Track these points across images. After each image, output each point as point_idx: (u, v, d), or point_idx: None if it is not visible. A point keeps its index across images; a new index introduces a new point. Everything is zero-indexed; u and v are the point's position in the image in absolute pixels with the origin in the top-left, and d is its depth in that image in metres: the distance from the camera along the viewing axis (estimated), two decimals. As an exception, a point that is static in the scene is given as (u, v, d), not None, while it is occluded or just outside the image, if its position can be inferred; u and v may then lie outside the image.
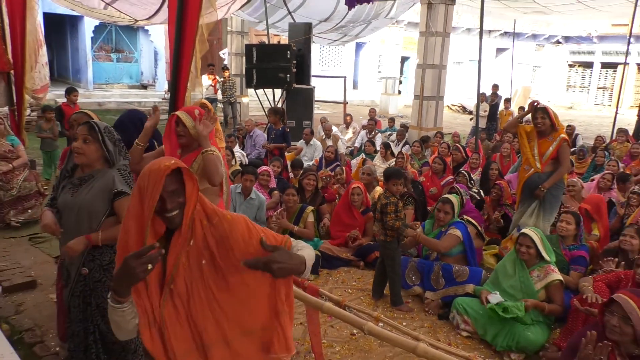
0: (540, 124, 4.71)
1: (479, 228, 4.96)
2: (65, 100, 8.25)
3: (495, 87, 13.41)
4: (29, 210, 5.49)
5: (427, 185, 6.53)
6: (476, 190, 5.92)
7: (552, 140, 4.70)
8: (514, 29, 18.72)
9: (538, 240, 3.74)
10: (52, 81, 13.17)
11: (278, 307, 1.72)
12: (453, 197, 4.49)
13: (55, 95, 12.75)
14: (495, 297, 3.63)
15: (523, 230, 3.89)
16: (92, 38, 16.61)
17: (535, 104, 4.87)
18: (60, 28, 17.57)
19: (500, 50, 25.66)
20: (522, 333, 3.51)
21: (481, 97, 10.88)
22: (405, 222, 4.19)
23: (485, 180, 6.54)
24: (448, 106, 21.18)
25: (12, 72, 7.24)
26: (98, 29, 16.69)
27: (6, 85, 7.42)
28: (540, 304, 3.60)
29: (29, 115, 8.97)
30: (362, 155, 8.26)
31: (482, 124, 11.80)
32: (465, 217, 4.85)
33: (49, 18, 14.68)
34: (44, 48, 8.80)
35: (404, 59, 24.50)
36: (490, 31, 24.03)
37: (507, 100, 13.39)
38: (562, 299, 3.65)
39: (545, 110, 4.71)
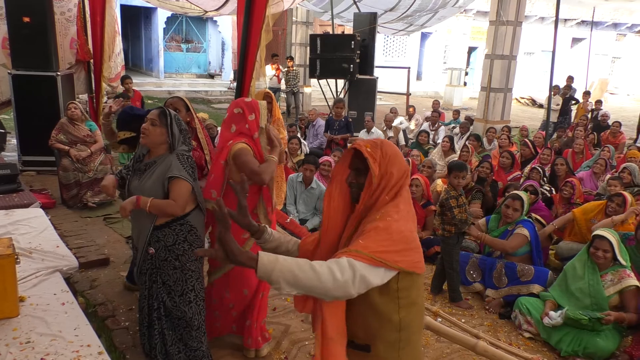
0: None
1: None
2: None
3: (570, 79, 12.71)
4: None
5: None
6: (548, 188, 5.65)
7: None
8: (593, 17, 17.65)
9: (615, 242, 3.52)
10: (127, 70, 13.87)
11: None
12: (523, 194, 4.30)
13: (129, 83, 13.40)
14: (555, 318, 3.47)
15: (599, 232, 3.64)
16: (164, 29, 17.32)
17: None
18: (135, 19, 18.45)
19: (576, 40, 24.29)
20: (591, 339, 3.34)
21: (554, 89, 10.35)
22: (468, 219, 4.05)
23: (554, 177, 6.23)
24: (516, 99, 20.33)
25: (91, 61, 7.70)
26: (170, 20, 17.37)
27: (86, 74, 7.91)
28: (620, 316, 3.36)
29: (106, 102, 9.47)
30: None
31: (554, 118, 11.23)
32: (533, 215, 4.65)
33: (125, 10, 15.44)
34: (119, 38, 9.27)
35: (471, 50, 23.74)
36: (565, 20, 22.78)
37: (587, 94, 12.65)
38: (637, 306, 3.43)
39: None
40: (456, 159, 7.12)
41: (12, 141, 7.37)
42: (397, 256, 1.59)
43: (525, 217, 4.28)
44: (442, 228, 4.08)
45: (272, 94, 4.10)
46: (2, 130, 6.46)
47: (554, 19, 7.91)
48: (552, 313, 3.51)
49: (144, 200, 2.58)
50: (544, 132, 8.88)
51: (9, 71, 6.55)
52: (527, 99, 21.72)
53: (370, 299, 1.65)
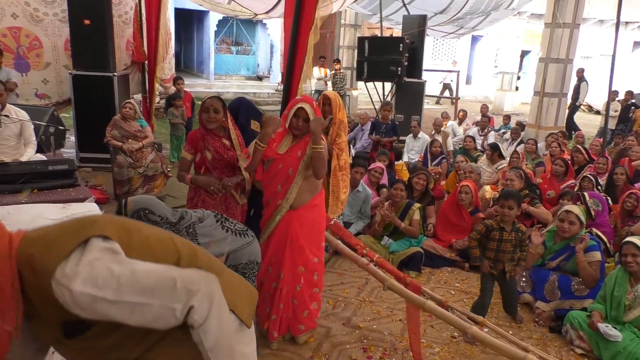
0: None
1: (608, 245, 4.51)
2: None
3: (629, 94, 11.90)
4: (155, 190, 6.00)
5: (545, 188, 6.05)
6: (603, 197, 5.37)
7: None
8: (657, 20, 16.74)
9: None
10: (179, 72, 14.25)
11: None
12: (575, 207, 4.08)
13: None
14: (611, 333, 3.27)
15: (628, 239, 3.47)
16: (215, 32, 17.71)
17: None
18: (188, 22, 18.97)
19: (637, 44, 23.12)
20: (648, 357, 3.15)
21: (613, 94, 9.88)
22: (483, 257, 3.67)
23: (611, 186, 5.91)
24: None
25: (146, 62, 7.96)
26: (221, 23, 17.76)
27: (140, 75, 8.18)
28: None
29: (158, 102, 9.76)
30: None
31: (612, 125, 10.70)
32: (594, 230, 4.40)
33: (179, 13, 15.88)
34: (173, 41, 9.55)
35: (524, 53, 23.02)
36: (627, 22, 21.72)
37: (647, 99, 12.01)
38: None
39: None
40: (505, 165, 6.90)
41: (71, 138, 7.72)
42: None
43: (595, 242, 3.95)
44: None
45: (336, 96, 4.03)
46: (62, 128, 6.75)
47: (615, 21, 7.56)
48: (604, 326, 3.33)
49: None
50: (601, 140, 8.48)
51: (70, 71, 6.86)
52: (584, 106, 20.84)
53: None
